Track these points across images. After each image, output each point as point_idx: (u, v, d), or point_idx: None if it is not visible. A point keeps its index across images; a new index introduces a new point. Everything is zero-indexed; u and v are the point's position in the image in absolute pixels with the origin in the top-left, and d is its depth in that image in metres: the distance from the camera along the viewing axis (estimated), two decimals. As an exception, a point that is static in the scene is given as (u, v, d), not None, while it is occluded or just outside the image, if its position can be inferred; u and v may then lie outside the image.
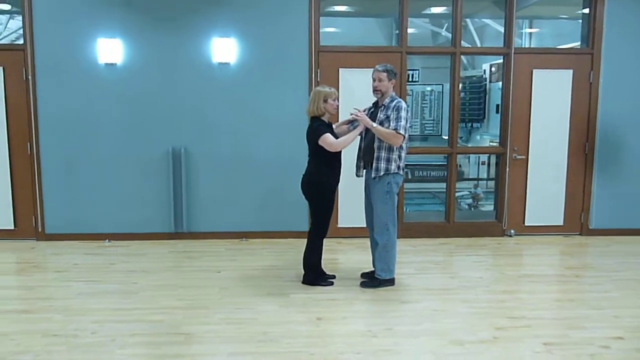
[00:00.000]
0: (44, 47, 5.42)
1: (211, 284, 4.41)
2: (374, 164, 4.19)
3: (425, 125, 11.55)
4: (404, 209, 6.11)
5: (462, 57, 11.72)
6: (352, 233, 5.72)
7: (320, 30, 5.60)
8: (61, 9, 5.40)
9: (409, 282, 4.48)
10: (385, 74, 4.17)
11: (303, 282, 4.40)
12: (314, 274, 4.40)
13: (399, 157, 4.20)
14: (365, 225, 4.55)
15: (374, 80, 4.23)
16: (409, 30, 5.69)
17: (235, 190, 5.73)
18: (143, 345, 3.31)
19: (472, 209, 10.14)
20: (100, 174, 5.61)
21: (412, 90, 11.82)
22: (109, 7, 5.41)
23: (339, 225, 5.76)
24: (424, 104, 11.92)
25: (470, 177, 12.07)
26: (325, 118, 4.23)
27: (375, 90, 4.23)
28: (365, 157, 4.32)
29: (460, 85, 11.88)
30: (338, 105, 4.27)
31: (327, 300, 4.06)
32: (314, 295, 4.17)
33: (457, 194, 11.26)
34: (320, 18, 5.59)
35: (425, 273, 4.74)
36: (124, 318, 3.73)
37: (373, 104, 4.39)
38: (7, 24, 8.12)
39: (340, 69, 5.59)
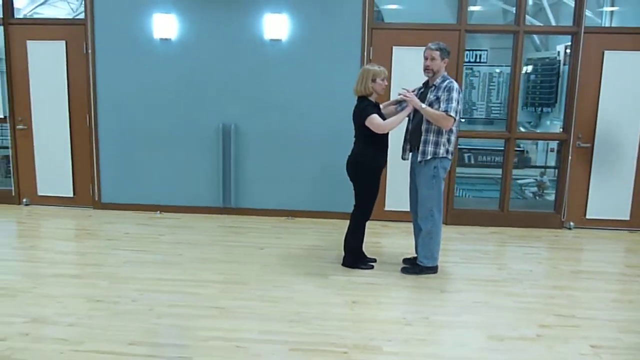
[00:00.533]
0: (103, 22, 5.58)
1: (253, 260, 4.44)
2: (420, 147, 4.02)
3: (492, 108, 11.09)
4: (457, 193, 5.88)
5: (535, 37, 11.07)
6: (399, 217, 5.58)
7: (384, 7, 5.43)
8: (120, -16, 5.53)
9: (453, 270, 4.32)
10: (438, 52, 3.98)
11: (343, 264, 4.34)
12: (355, 257, 4.32)
13: (448, 140, 4.01)
14: (410, 210, 4.41)
15: (425, 58, 4.04)
16: (477, 8, 5.42)
17: (284, 168, 5.72)
18: (178, 317, 3.38)
19: (537, 197, 9.66)
20: (154, 147, 5.76)
21: (479, 71, 11.33)
22: (165, -17, 5.49)
23: (386, 209, 5.64)
24: (492, 86, 11.42)
25: (538, 164, 11.50)
26: (372, 98, 4.09)
27: (426, 69, 4.04)
28: (413, 140, 4.15)
29: (532, 67, 11.26)
30: (386, 85, 4.12)
31: (365, 284, 3.98)
32: (353, 278, 4.10)
33: (521, 182, 10.78)
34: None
35: (471, 262, 4.55)
36: (165, 288, 3.82)
37: (423, 83, 4.21)
38: (82, 1, 8.46)
39: (394, 47, 5.40)
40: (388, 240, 5.16)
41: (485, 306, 3.65)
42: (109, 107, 5.72)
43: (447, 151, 4.03)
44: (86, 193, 5.93)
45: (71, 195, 5.95)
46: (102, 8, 5.55)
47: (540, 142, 8.82)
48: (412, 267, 4.28)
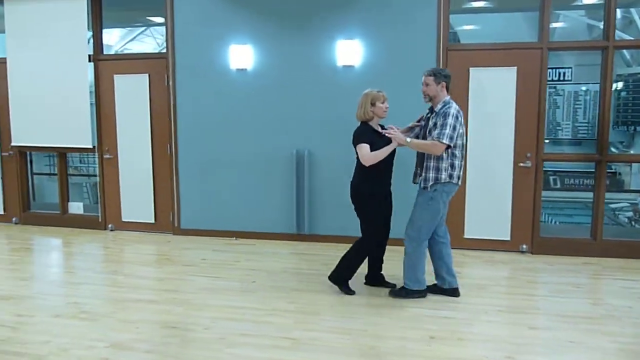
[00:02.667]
0: (183, 55, 5.82)
1: (325, 289, 4.34)
2: (423, 174, 3.98)
3: (579, 128, 10.45)
4: (542, 219, 5.50)
5: (625, 52, 10.37)
6: (479, 245, 5.31)
7: (460, 29, 5.29)
8: (199, 19, 5.75)
9: (541, 305, 3.99)
10: (432, 77, 3.95)
11: (329, 277, 4.32)
12: (343, 277, 4.25)
13: (452, 165, 3.91)
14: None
15: (422, 84, 4.01)
16: (559, 25, 5.12)
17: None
18: (250, 347, 3.33)
19: (633, 223, 8.88)
20: (231, 174, 5.87)
21: (563, 90, 10.72)
22: (241, 15, 5.64)
23: (465, 236, 5.37)
24: (577, 105, 10.78)
25: (632, 187, 10.65)
26: (373, 123, 4.07)
27: (423, 95, 4.01)
28: (419, 165, 4.12)
29: (622, 83, 10.52)
30: (387, 108, 4.06)
31: (443, 318, 3.76)
32: (430, 311, 3.89)
33: (614, 206, 9.97)
34: (459, 16, 5.27)
35: (561, 296, 4.19)
36: (237, 317, 3.80)
37: (429, 109, 4.11)
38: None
39: (470, 69, 5.20)
40: (468, 270, 4.88)
41: (579, 346, 3.32)
42: (188, 136, 5.92)
43: (451, 176, 3.92)
44: (166, 219, 6.13)
45: (152, 221, 6.18)
46: (183, 41, 5.80)
47: (635, 164, 8.12)
48: (398, 289, 4.16)
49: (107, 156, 6.22)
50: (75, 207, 6.61)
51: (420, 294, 4.12)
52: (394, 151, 4.05)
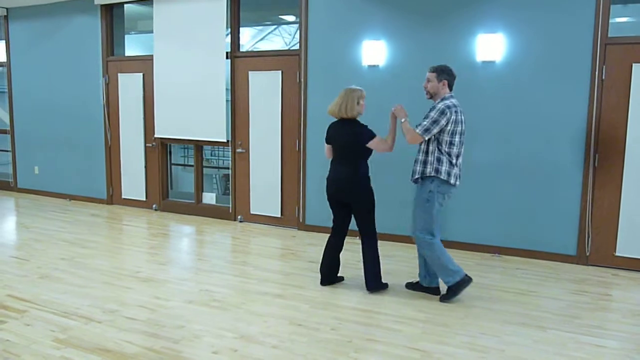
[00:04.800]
0: (316, 51, 5.83)
1: (456, 300, 4.07)
2: (413, 167, 4.08)
3: None
4: None
5: None
6: (634, 265, 4.69)
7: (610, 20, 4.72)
8: (333, 15, 5.72)
9: None
10: (434, 74, 3.97)
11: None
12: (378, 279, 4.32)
13: (438, 160, 3.89)
14: None
15: (425, 80, 4.03)
16: None
17: (493, 200, 5.25)
18: (376, 354, 3.18)
19: None
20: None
21: None
22: (375, 10, 5.51)
23: (617, 254, 4.77)
24: None
25: None
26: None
27: (425, 92, 4.06)
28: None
29: None
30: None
31: (593, 346, 3.32)
32: (578, 336, 3.47)
33: None
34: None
35: None
36: (364, 320, 3.68)
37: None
38: (295, 34, 9.13)
39: (634, 65, 4.59)
40: (620, 292, 4.32)
41: None
42: (316, 133, 5.91)
43: (437, 170, 3.87)
44: (292, 214, 6.21)
45: (279, 215, 6.29)
46: (316, 38, 5.81)
47: None
48: (447, 293, 4.07)
49: (240, 150, 6.43)
50: (209, 198, 6.95)
51: (465, 283, 4.02)
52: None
